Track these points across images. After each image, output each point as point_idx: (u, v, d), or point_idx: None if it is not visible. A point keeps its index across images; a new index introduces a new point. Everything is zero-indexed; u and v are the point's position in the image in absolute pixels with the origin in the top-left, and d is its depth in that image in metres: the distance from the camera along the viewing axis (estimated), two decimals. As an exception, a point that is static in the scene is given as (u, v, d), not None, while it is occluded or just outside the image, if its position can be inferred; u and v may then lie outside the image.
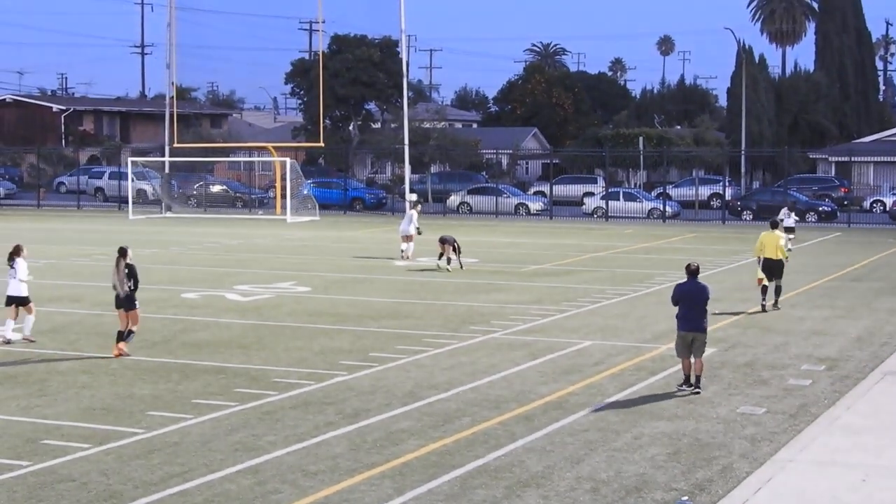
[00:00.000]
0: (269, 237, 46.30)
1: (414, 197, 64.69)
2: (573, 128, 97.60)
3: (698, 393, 17.51)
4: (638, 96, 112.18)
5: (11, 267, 21.41)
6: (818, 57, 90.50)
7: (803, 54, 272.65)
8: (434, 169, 76.52)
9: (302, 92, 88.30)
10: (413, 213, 38.42)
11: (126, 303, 20.06)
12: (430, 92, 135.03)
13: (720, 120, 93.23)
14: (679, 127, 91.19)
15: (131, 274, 20.03)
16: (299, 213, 59.12)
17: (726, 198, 62.56)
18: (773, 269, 26.31)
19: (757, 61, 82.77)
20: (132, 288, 20.02)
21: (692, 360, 17.66)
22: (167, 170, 66.94)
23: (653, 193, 67.76)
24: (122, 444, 14.34)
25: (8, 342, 21.23)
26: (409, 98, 67.22)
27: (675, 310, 17.93)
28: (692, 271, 17.89)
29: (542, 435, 14.98)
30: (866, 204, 65.91)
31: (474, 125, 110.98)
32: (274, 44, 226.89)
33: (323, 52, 74.34)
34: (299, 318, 24.71)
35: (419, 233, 38.28)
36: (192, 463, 13.57)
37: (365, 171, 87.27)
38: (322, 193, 65.43)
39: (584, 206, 64.58)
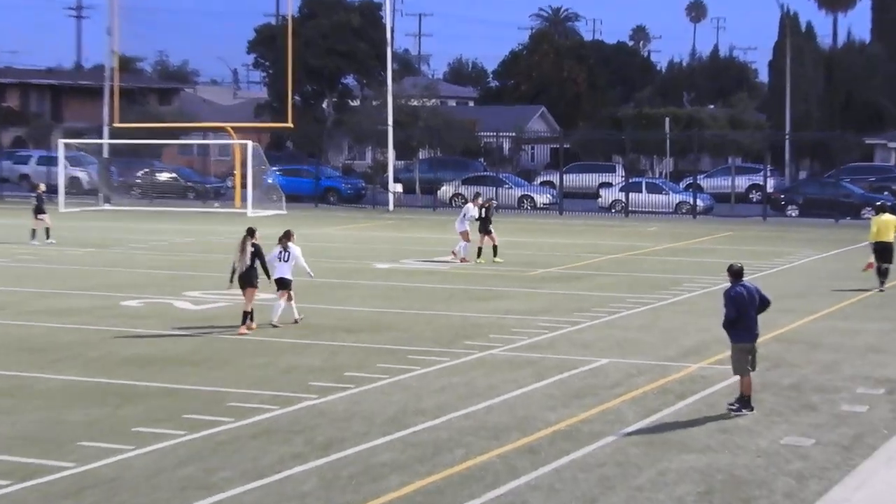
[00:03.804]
0: (226, 234, 46.15)
1: (399, 187, 64.76)
2: (587, 107, 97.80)
3: (744, 412, 17.82)
4: (664, 70, 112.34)
5: (285, 251, 25.42)
6: (875, 25, 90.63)
7: (857, 22, 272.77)
8: (423, 155, 76.48)
9: (267, 63, 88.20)
10: (470, 206, 38.45)
11: (246, 281, 24.33)
12: (418, 64, 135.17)
13: (760, 98, 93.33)
14: (712, 107, 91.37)
15: (257, 254, 24.49)
16: (263, 205, 59.05)
17: (768, 190, 62.61)
18: (885, 251, 31.35)
19: (804, 30, 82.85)
20: (253, 266, 24.41)
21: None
22: (106, 154, 66.78)
23: (681, 185, 67.76)
24: (49, 481, 14.24)
25: (296, 321, 25.24)
26: (393, 71, 67.16)
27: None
28: (736, 272, 18.04)
29: (549, 470, 14.92)
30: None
31: (470, 103, 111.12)
32: (235, 6, 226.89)
33: (293, 17, 74.27)
34: (262, 330, 24.66)
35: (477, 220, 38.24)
36: (132, 503, 13.46)
37: (341, 157, 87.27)
38: (290, 183, 65.38)
39: (599, 200, 64.63)
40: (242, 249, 24.51)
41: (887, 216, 31.84)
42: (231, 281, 24.80)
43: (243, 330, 24.26)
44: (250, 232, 24.77)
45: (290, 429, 16.76)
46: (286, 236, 25.54)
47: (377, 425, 16.99)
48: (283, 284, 25.26)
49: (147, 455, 15.38)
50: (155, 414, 17.55)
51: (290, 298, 25.33)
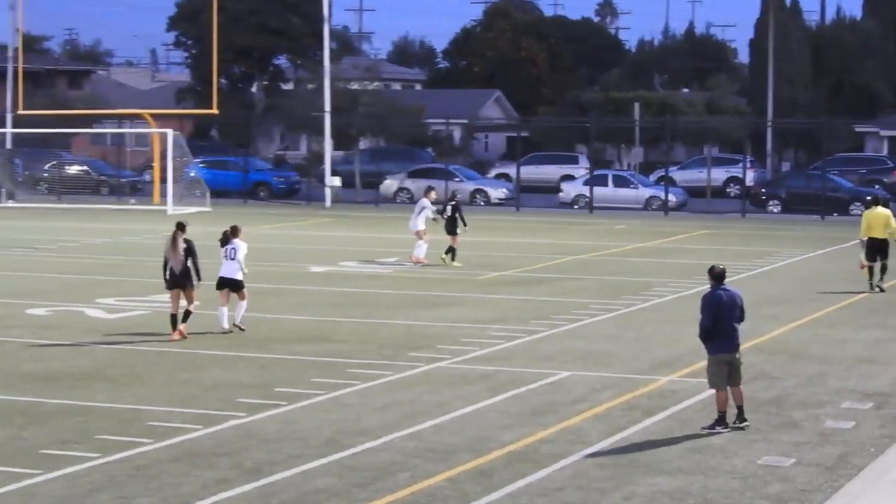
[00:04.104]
0: (144, 234, 46.05)
1: (337, 181, 64.60)
2: (548, 91, 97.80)
3: (746, 426, 17.95)
4: (633, 50, 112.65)
5: (229, 248, 25.63)
6: (867, 0, 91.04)
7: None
8: (364, 145, 76.34)
9: (190, 42, 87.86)
10: (426, 202, 38.14)
11: (183, 281, 24.63)
12: (359, 43, 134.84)
13: (740, 81, 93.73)
14: (687, 90, 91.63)
15: (190, 251, 24.69)
16: (184, 201, 58.74)
17: (747, 183, 62.87)
18: (879, 248, 32.05)
19: (788, 5, 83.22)
20: (190, 266, 24.71)
21: (729, 389, 18.03)
22: (9, 145, 66.29)
23: (652, 177, 67.95)
24: (-54, 510, 14.24)
25: (226, 331, 25.40)
26: (331, 50, 67.01)
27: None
28: (718, 275, 18.20)
29: (503, 495, 14.99)
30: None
31: (417, 86, 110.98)
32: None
33: (218, -10, 73.99)
34: (184, 341, 24.62)
35: (434, 220, 37.97)
36: (38, 534, 13.51)
37: (272, 148, 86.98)
38: (215, 176, 65.11)
39: (561, 194, 64.68)
40: (174, 246, 24.73)
41: (880, 210, 32.33)
42: (167, 281, 24.89)
43: (183, 330, 24.74)
44: (180, 226, 24.98)
45: (215, 451, 16.74)
46: (233, 232, 25.75)
47: (312, 447, 17.00)
48: (227, 285, 25.55)
49: (56, 481, 15.33)
50: (64, 435, 17.48)
51: (242, 298, 25.66)
